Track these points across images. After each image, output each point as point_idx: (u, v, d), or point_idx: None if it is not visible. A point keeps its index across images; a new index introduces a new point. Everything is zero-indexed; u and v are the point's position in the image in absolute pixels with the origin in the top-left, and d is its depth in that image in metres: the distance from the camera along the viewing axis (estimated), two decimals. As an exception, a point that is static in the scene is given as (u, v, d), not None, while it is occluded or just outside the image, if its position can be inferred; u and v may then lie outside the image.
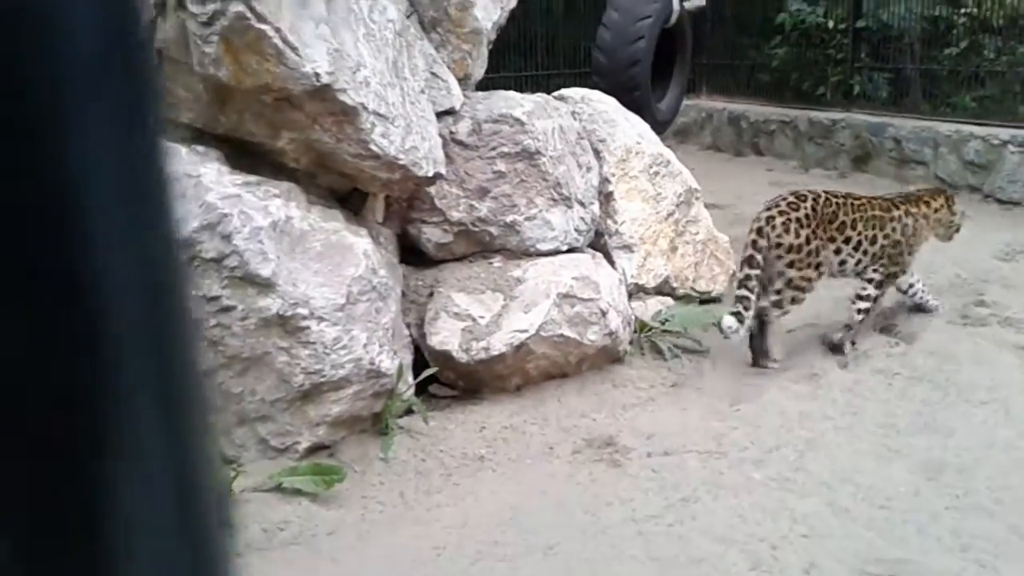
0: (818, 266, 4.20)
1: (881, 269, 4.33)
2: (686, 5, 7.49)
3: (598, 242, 4.52)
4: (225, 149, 3.34)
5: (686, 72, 7.77)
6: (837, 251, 4.25)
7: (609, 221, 4.57)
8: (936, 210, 4.53)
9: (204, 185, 3.03)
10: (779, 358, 4.15)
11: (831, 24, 9.19)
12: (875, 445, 3.27)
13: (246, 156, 3.38)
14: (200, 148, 3.26)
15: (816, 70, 9.32)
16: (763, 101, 9.82)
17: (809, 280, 4.19)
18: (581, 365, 3.88)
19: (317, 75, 3.09)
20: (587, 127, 4.60)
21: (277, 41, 3.03)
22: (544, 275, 3.87)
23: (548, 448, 3.34)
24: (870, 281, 4.33)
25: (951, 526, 2.75)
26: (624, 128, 4.76)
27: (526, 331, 3.65)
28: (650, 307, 4.45)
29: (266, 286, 2.98)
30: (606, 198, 4.57)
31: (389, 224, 4.01)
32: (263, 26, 3.01)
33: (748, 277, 4.07)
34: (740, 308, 4.00)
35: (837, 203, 4.28)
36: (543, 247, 4.08)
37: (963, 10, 8.19)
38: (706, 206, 5.14)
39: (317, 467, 2.96)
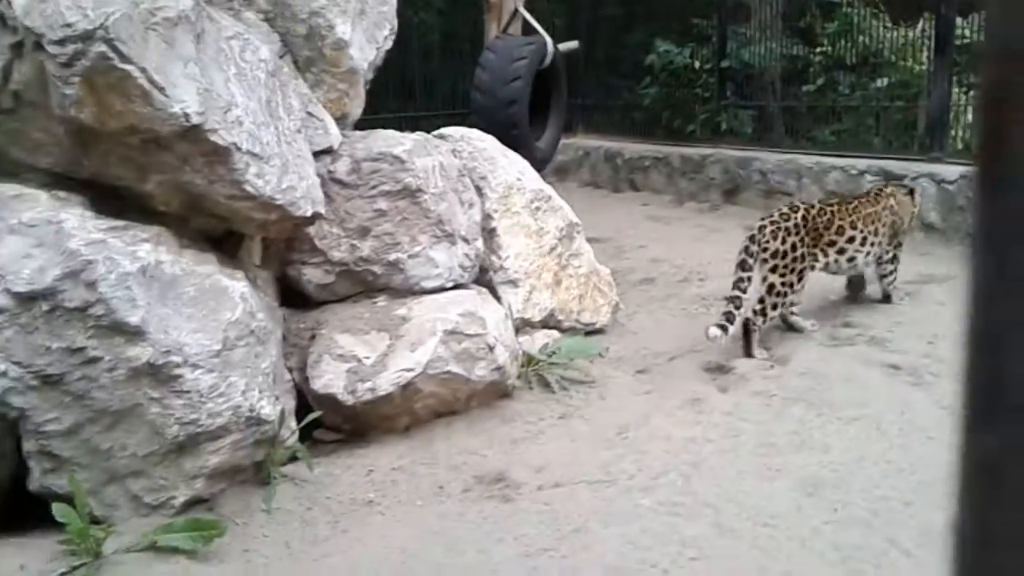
0: (800, 273, 4.66)
1: (892, 248, 5.12)
2: (560, 47, 7.68)
3: (483, 278, 4.53)
4: (89, 194, 3.19)
5: (562, 111, 7.95)
6: (841, 251, 4.83)
7: (493, 257, 4.59)
8: (902, 202, 5.22)
9: (66, 231, 2.88)
10: (764, 356, 4.49)
11: (697, 65, 9.63)
12: (756, 465, 3.36)
13: (112, 200, 3.24)
14: (61, 193, 3.11)
15: (685, 108, 9.72)
16: (637, 139, 10.15)
17: (791, 286, 4.63)
18: (470, 402, 3.85)
19: (186, 115, 3.00)
20: (468, 165, 4.63)
21: (143, 81, 2.92)
22: (430, 312, 3.85)
23: (438, 488, 3.28)
24: (891, 260, 5.12)
25: (831, 540, 2.84)
26: (504, 165, 4.81)
27: (413, 370, 3.60)
28: (537, 340, 4.48)
29: (135, 334, 2.84)
30: (489, 234, 4.59)
31: (267, 266, 3.90)
32: (127, 66, 2.90)
33: (740, 279, 4.53)
34: (731, 308, 4.43)
35: (832, 211, 4.82)
36: (428, 284, 4.06)
37: (819, 49, 8.71)
38: (587, 240, 5.23)
39: (195, 522, 2.82)
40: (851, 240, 4.81)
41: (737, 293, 4.48)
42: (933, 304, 5.14)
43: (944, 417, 3.68)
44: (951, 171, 6.52)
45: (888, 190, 5.24)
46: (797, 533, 2.88)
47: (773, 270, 4.57)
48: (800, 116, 8.85)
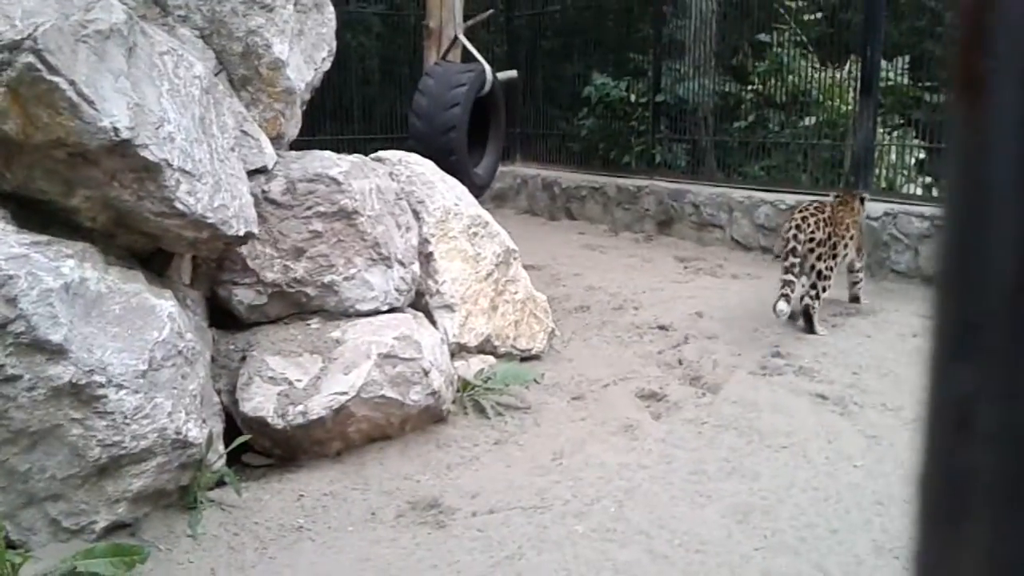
0: (834, 257, 5.47)
1: (862, 254, 5.90)
2: (499, 76, 7.74)
3: (419, 302, 4.50)
4: (11, 207, 3.07)
5: (501, 139, 7.99)
6: (845, 246, 5.56)
7: (430, 281, 4.57)
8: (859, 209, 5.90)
9: (-15, 245, 2.77)
10: (824, 332, 5.31)
11: (633, 98, 9.81)
12: (688, 492, 3.38)
13: (36, 215, 3.12)
14: (-19, 206, 2.99)
15: (621, 140, 9.88)
16: (574, 168, 10.28)
17: (831, 269, 5.45)
18: (404, 426, 3.81)
19: (116, 130, 2.93)
20: (406, 188, 4.61)
21: (71, 94, 2.84)
22: (364, 336, 3.80)
23: (371, 513, 3.23)
24: (859, 263, 5.90)
25: (761, 566, 2.87)
26: (442, 190, 4.80)
27: (346, 393, 3.55)
28: (472, 366, 4.46)
29: (57, 353, 2.74)
30: (426, 258, 4.57)
31: (197, 286, 3.82)
32: (55, 78, 2.82)
33: (792, 265, 5.28)
34: (788, 291, 5.18)
35: (842, 209, 5.60)
36: (363, 307, 4.02)
37: (750, 87, 8.95)
38: (524, 267, 5.25)
39: (116, 548, 2.71)
40: (852, 239, 5.63)
41: (791, 277, 5.24)
42: (859, 336, 5.28)
43: (869, 445, 3.77)
44: (875, 208, 6.74)
45: (865, 196, 6.02)
46: (727, 559, 2.90)
47: (819, 258, 5.38)
48: (732, 151, 9.06)
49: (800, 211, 5.50)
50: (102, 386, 2.80)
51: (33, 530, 2.79)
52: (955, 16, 0.21)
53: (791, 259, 5.29)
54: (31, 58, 2.78)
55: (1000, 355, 0.19)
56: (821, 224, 5.41)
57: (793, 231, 5.36)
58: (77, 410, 2.78)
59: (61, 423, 2.76)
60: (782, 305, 5.12)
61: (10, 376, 2.69)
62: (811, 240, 5.35)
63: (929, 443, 0.21)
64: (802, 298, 5.37)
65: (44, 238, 2.96)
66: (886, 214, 6.63)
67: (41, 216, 3.14)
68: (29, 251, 2.84)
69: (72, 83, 2.84)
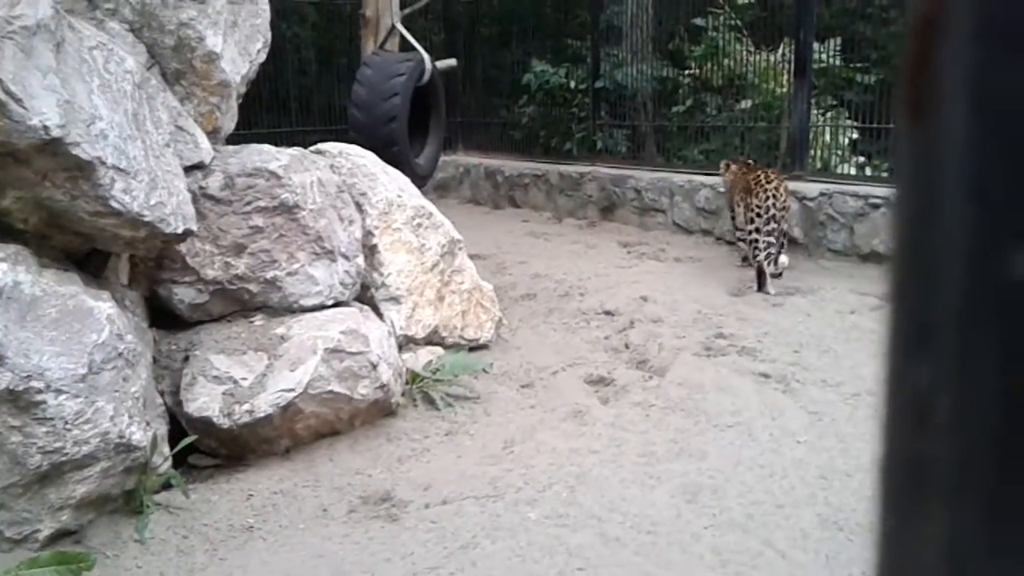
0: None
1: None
2: (438, 64, 7.70)
3: (365, 295, 4.47)
4: (-64, 210, 2.98)
5: (442, 128, 7.96)
6: None
7: (375, 274, 4.54)
8: None
9: (-90, 250, 2.68)
10: (774, 292, 5.89)
11: (573, 84, 9.83)
12: (638, 474, 3.43)
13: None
14: (-95, 210, 2.89)
15: (562, 127, 9.91)
16: (516, 156, 10.28)
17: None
18: (353, 421, 3.79)
19: (46, 128, 2.84)
20: (347, 181, 4.57)
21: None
22: (310, 331, 3.76)
23: (322, 510, 3.21)
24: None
25: (711, 544, 2.93)
26: (384, 182, 4.77)
27: (293, 390, 3.51)
28: (421, 357, 4.45)
29: (-9, 359, 2.66)
30: (370, 251, 4.54)
31: (136, 286, 3.73)
32: (-19, 75, 2.73)
33: (773, 231, 6.05)
34: (771, 250, 6.01)
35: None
36: (307, 302, 3.98)
37: (687, 71, 9.04)
38: (469, 256, 5.25)
39: (61, 556, 2.65)
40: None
41: (772, 239, 6.03)
42: (798, 314, 5.40)
43: (812, 421, 3.86)
44: (812, 188, 6.88)
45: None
46: (678, 539, 2.96)
47: (784, 220, 6.22)
48: (671, 135, 9.16)
49: (764, 180, 6.14)
50: (40, 392, 2.73)
51: (-27, 542, 2.71)
52: (905, 40, 0.23)
53: (772, 224, 6.03)
54: (-47, 56, 2.68)
55: (951, 351, 0.22)
56: (783, 191, 6.17)
57: (771, 199, 6.04)
58: (15, 417, 2.71)
59: (-1, 431, 2.68)
60: (784, 259, 6.24)
61: (-58, 385, 2.61)
62: (784, 208, 6.15)
63: (889, 432, 0.24)
64: (760, 258, 6.02)
65: (-27, 242, 2.87)
66: (822, 194, 6.78)
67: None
68: (-43, 256, 2.75)
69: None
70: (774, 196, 6.03)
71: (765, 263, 5.95)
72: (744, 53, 8.47)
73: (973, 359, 0.21)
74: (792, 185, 7.03)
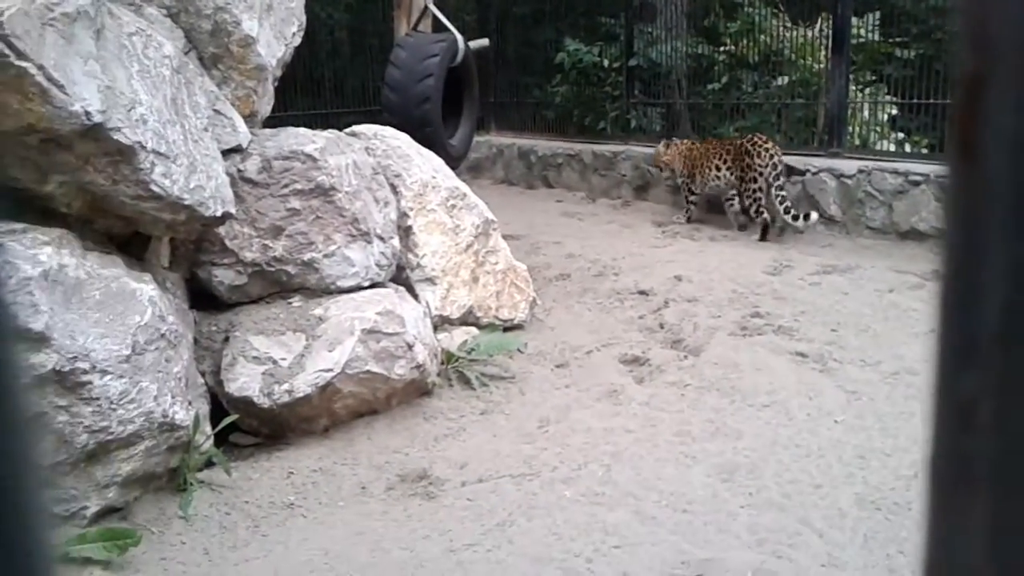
0: None
1: None
2: (471, 44, 7.68)
3: (400, 276, 4.50)
4: (-16, 195, 3.05)
5: (475, 109, 7.94)
6: None
7: (410, 255, 4.57)
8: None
9: (-40, 234, 2.75)
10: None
11: (606, 63, 9.76)
12: (674, 453, 3.44)
13: (10, 203, 3.09)
14: (-47, 195, 2.96)
15: (596, 106, 9.85)
16: (549, 136, 10.25)
17: None
18: (390, 400, 3.83)
19: (88, 114, 2.89)
20: (382, 163, 4.59)
21: (41, 79, 2.80)
22: (347, 312, 3.80)
23: (361, 488, 3.25)
24: None
25: (747, 523, 2.93)
26: (419, 163, 4.79)
27: (331, 370, 3.56)
28: (456, 338, 4.48)
29: (39, 341, 2.72)
30: (405, 232, 4.57)
31: (176, 268, 3.80)
32: (24, 63, 2.78)
33: (783, 185, 6.82)
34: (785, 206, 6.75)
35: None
36: (344, 284, 4.02)
37: (722, 48, 8.94)
38: (503, 237, 5.26)
39: (108, 532, 2.72)
40: None
41: (784, 193, 6.79)
42: (836, 293, 5.35)
43: (849, 401, 3.83)
44: (850, 165, 6.79)
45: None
46: (714, 518, 2.96)
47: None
48: (706, 113, 9.07)
49: (760, 143, 6.90)
50: (86, 372, 2.79)
51: (24, 518, 2.79)
52: (956, 86, 0.26)
53: (781, 179, 6.80)
54: (-3, 43, 2.73)
55: (993, 364, 0.26)
56: (778, 151, 6.94)
57: (773, 158, 6.81)
58: (62, 397, 2.78)
59: (46, 411, 2.76)
60: (815, 215, 6.70)
61: (-7, 366, 2.68)
62: (776, 167, 6.86)
63: (938, 433, 0.27)
64: (765, 215, 6.84)
65: (20, 226, 2.94)
66: (860, 171, 6.68)
67: (16, 204, 3.10)
68: (5, 240, 2.82)
69: (41, 68, 2.80)
70: (771, 155, 6.80)
71: (786, 215, 6.69)
72: (781, 29, 8.35)
73: (1012, 371, 0.25)
74: (830, 162, 6.95)
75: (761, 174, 6.77)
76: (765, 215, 6.78)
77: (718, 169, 7.19)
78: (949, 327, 0.27)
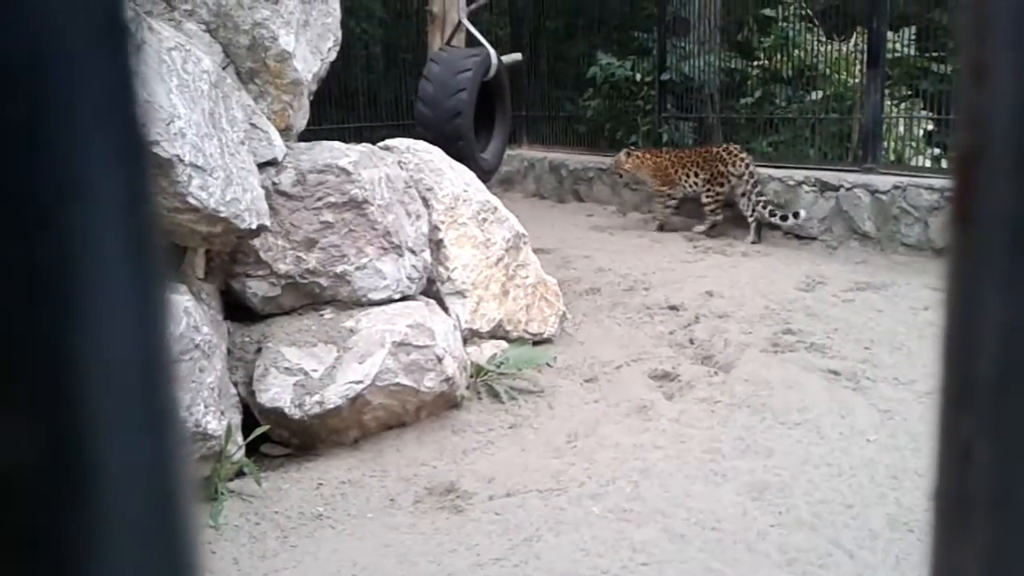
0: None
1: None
2: (503, 59, 7.72)
3: (431, 289, 4.53)
4: None
5: (507, 123, 7.98)
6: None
7: (441, 268, 4.60)
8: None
9: None
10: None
11: (639, 77, 9.76)
12: (703, 470, 3.42)
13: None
14: (-3, 206, 3.03)
15: (627, 120, 9.85)
16: (581, 150, 10.25)
17: None
18: (419, 413, 3.85)
19: (127, 126, 2.95)
20: (414, 176, 4.63)
21: None
22: (378, 324, 3.83)
23: (389, 500, 3.27)
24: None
25: (777, 542, 2.90)
26: (451, 176, 4.82)
27: (361, 382, 3.58)
28: (485, 351, 4.50)
29: (77, 350, 2.78)
30: (436, 245, 4.59)
31: (211, 279, 3.85)
32: (66, 76, 2.85)
33: (762, 191, 7.38)
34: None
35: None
36: (375, 296, 4.05)
37: (756, 63, 8.90)
38: (533, 251, 5.27)
39: (141, 540, 2.76)
40: None
41: (764, 198, 7.35)
42: (870, 311, 5.29)
43: (882, 420, 3.79)
44: (884, 181, 6.72)
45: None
46: (744, 536, 2.94)
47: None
48: (738, 128, 9.03)
49: (732, 152, 7.54)
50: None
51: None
52: (952, 171, 0.29)
53: (759, 187, 7.36)
54: (41, 59, 2.80)
55: (988, 407, 0.29)
56: (748, 158, 7.55)
57: (746, 166, 7.41)
58: (98, 406, 2.82)
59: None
60: (805, 212, 7.09)
61: None
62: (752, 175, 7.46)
63: (941, 468, 0.31)
64: (719, 217, 7.64)
65: None
66: (895, 187, 6.62)
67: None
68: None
69: None
70: (746, 164, 7.38)
71: (772, 217, 7.21)
72: (815, 43, 8.30)
73: (1006, 413, 0.28)
74: (864, 178, 6.89)
75: (729, 180, 7.43)
76: (719, 216, 7.59)
77: (696, 176, 7.71)
78: (949, 375, 0.30)
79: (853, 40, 7.92)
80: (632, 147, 8.64)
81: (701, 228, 7.73)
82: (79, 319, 0.26)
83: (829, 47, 8.14)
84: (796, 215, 7.02)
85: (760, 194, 7.30)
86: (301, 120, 4.38)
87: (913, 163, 7.36)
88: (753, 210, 7.29)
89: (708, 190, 7.60)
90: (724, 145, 7.78)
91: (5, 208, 0.25)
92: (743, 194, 7.38)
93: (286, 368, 3.62)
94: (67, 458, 0.26)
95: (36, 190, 0.26)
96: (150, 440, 0.28)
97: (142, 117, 0.27)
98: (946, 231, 0.29)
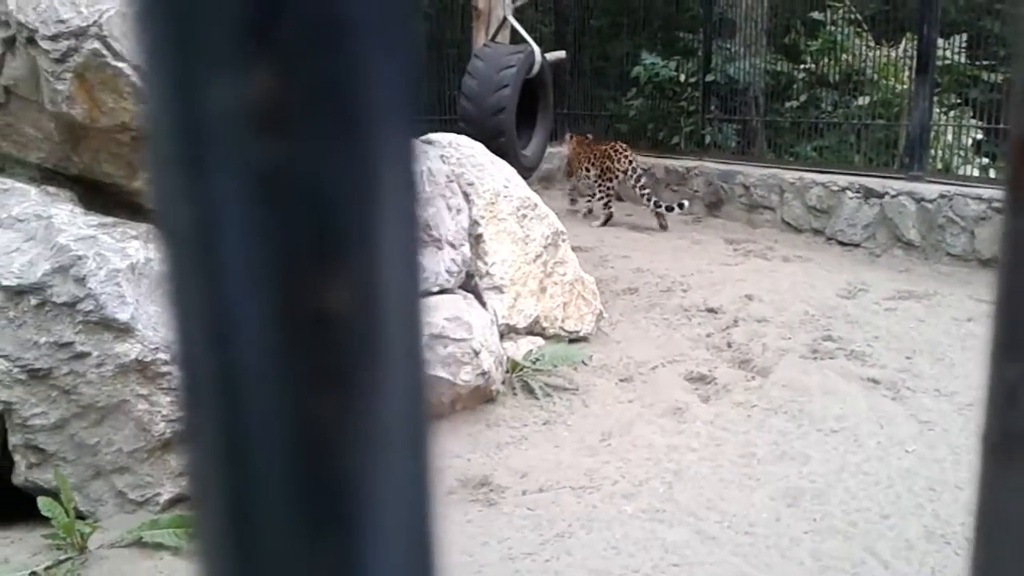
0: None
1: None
2: (547, 56, 7.72)
3: (469, 283, 4.55)
4: (78, 190, 3.19)
5: (549, 120, 7.99)
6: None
7: (479, 263, 4.61)
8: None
9: (56, 227, 2.88)
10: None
11: (683, 78, 9.70)
12: (738, 474, 3.40)
13: (101, 197, 3.24)
14: (51, 189, 3.10)
15: (670, 121, 9.79)
16: (622, 149, 10.20)
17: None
18: (454, 406, 3.87)
19: (179, 113, 3.00)
20: (456, 171, 4.65)
21: (135, 79, 2.93)
22: (415, 317, 3.86)
23: (422, 491, 3.29)
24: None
25: (811, 549, 2.88)
26: (492, 172, 4.84)
27: (398, 373, 3.61)
28: (521, 347, 4.51)
29: (124, 331, 2.84)
30: (476, 240, 4.61)
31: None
32: (120, 63, 2.91)
33: (646, 184, 8.29)
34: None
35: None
36: (414, 289, 4.07)
37: (802, 66, 8.81)
38: (572, 249, 5.27)
39: (180, 519, 2.81)
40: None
41: (649, 191, 8.25)
42: (912, 320, 5.22)
43: (922, 431, 3.74)
44: (931, 190, 6.62)
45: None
46: (777, 542, 2.92)
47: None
48: (783, 131, 8.95)
49: (620, 150, 8.30)
50: (167, 363, 2.89)
51: (101, 501, 2.91)
52: (1008, 156, 0.31)
53: (644, 179, 8.25)
54: (97, 44, 2.87)
55: None
56: (632, 155, 8.38)
57: (630, 162, 8.19)
58: (143, 386, 2.88)
59: (128, 399, 2.87)
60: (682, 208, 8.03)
61: (80, 353, 2.80)
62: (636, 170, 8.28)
63: (989, 410, 0.33)
64: (612, 208, 8.33)
65: (110, 220, 3.07)
66: (942, 196, 6.51)
67: (106, 199, 3.24)
68: (97, 232, 2.94)
69: (136, 68, 2.92)
70: (629, 160, 8.17)
71: (658, 208, 8.03)
72: (863, 48, 8.20)
73: None
74: (910, 186, 6.80)
75: (616, 176, 8.17)
76: (612, 209, 8.27)
77: (588, 171, 8.44)
78: (999, 324, 0.32)
79: (902, 46, 7.81)
80: (586, 136, 9.13)
81: (597, 223, 8.25)
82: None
83: (878, 52, 8.03)
84: (681, 206, 7.94)
85: (644, 188, 8.09)
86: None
87: (961, 172, 7.23)
88: (608, 203, 8.25)
89: (599, 184, 8.31)
90: (612, 143, 8.50)
91: None
92: (632, 187, 8.21)
93: (325, 356, 3.66)
94: None
95: None
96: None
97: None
98: (1004, 215, 0.31)
